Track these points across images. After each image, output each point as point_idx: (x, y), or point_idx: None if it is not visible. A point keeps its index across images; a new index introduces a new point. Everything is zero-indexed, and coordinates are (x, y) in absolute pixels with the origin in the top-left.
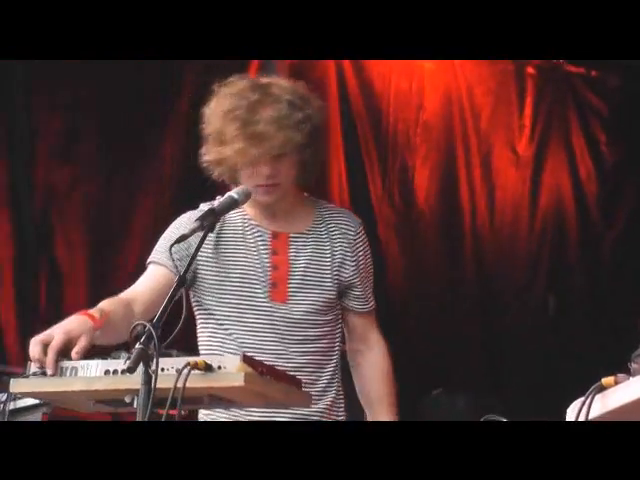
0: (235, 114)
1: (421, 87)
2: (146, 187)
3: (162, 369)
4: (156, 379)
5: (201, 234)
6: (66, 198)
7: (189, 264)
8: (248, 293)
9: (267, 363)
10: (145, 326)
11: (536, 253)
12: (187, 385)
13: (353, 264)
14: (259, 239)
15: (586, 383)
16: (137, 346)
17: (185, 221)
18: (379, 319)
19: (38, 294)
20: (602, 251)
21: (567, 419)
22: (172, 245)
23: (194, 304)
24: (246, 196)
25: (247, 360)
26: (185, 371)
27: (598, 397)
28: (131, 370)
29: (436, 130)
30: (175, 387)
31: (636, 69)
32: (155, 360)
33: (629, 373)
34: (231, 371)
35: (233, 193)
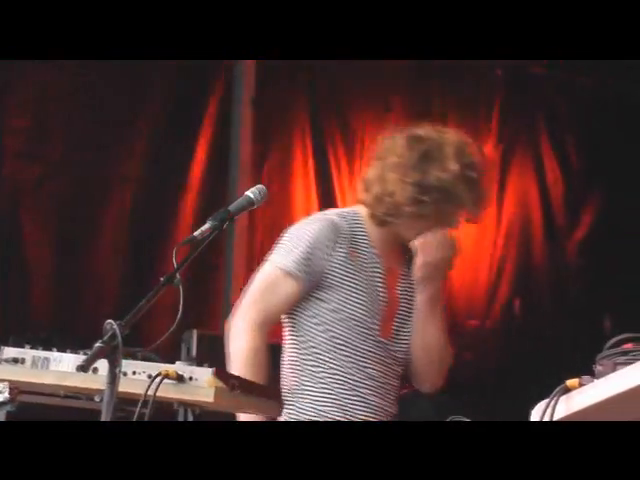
0: (465, 175)
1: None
2: (115, 186)
3: (134, 372)
4: (119, 378)
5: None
6: (34, 196)
7: (181, 263)
8: (366, 323)
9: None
10: (112, 324)
11: (502, 255)
12: (158, 394)
13: None
14: (377, 271)
15: (550, 385)
16: (97, 344)
17: (323, 231)
18: None
19: (5, 293)
20: (568, 254)
21: (531, 416)
22: (179, 246)
23: (301, 311)
24: (262, 197)
25: (219, 374)
26: (157, 380)
27: (562, 399)
28: (83, 368)
29: None
30: (146, 395)
31: (604, 72)
32: (119, 359)
33: (594, 375)
34: (202, 385)
35: (250, 193)
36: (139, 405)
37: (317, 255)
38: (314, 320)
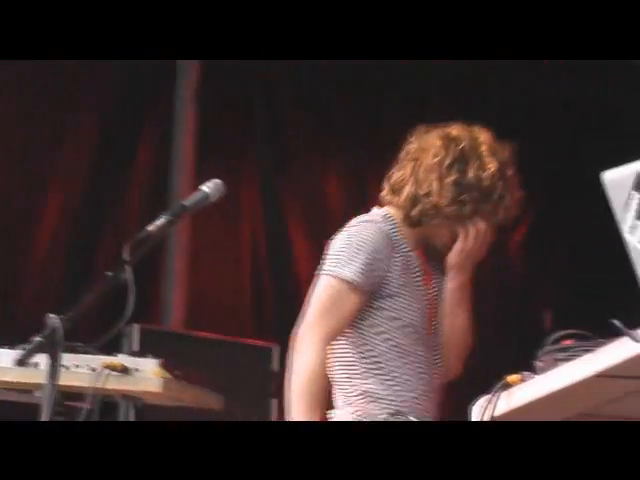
0: (503, 173)
1: None
2: (56, 184)
3: (76, 365)
4: (58, 372)
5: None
6: None
7: (133, 258)
8: (418, 329)
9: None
10: (53, 319)
11: None
12: (104, 386)
13: None
14: (418, 273)
15: (491, 380)
16: (36, 338)
17: (379, 240)
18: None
19: None
20: (509, 252)
21: (472, 417)
22: (134, 241)
23: (358, 320)
24: (218, 191)
25: (165, 365)
26: (102, 372)
27: (503, 395)
28: (21, 362)
29: None
30: (92, 388)
31: (550, 74)
32: (59, 353)
33: (534, 371)
34: (148, 376)
35: (205, 187)
36: (90, 398)
37: (377, 265)
38: (374, 330)
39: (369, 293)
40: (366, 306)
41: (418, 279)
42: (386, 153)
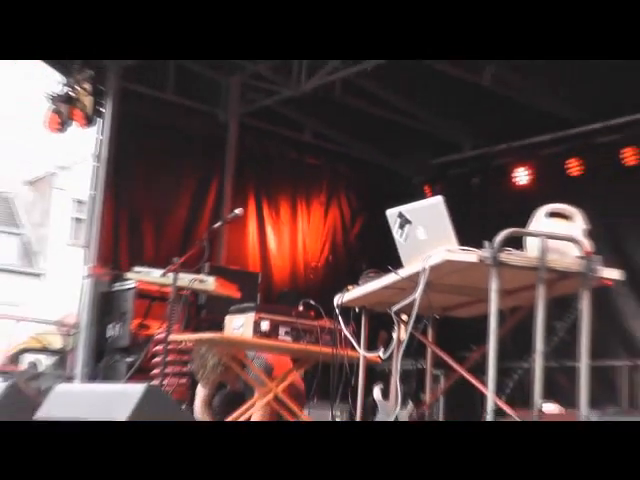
0: None
1: None
2: (183, 185)
3: (181, 278)
4: (177, 279)
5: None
6: None
7: (209, 234)
8: None
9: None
10: (174, 259)
11: (326, 238)
12: (191, 286)
13: None
14: None
15: (342, 286)
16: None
17: None
18: None
19: (116, 241)
20: (351, 239)
21: (334, 303)
22: (208, 231)
23: None
24: (242, 213)
25: (218, 280)
26: (194, 280)
27: (347, 294)
28: (163, 275)
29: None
30: (187, 287)
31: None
32: (178, 273)
33: (359, 284)
34: (211, 282)
35: (237, 211)
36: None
37: None
38: None
39: None
40: None
41: None
42: None
